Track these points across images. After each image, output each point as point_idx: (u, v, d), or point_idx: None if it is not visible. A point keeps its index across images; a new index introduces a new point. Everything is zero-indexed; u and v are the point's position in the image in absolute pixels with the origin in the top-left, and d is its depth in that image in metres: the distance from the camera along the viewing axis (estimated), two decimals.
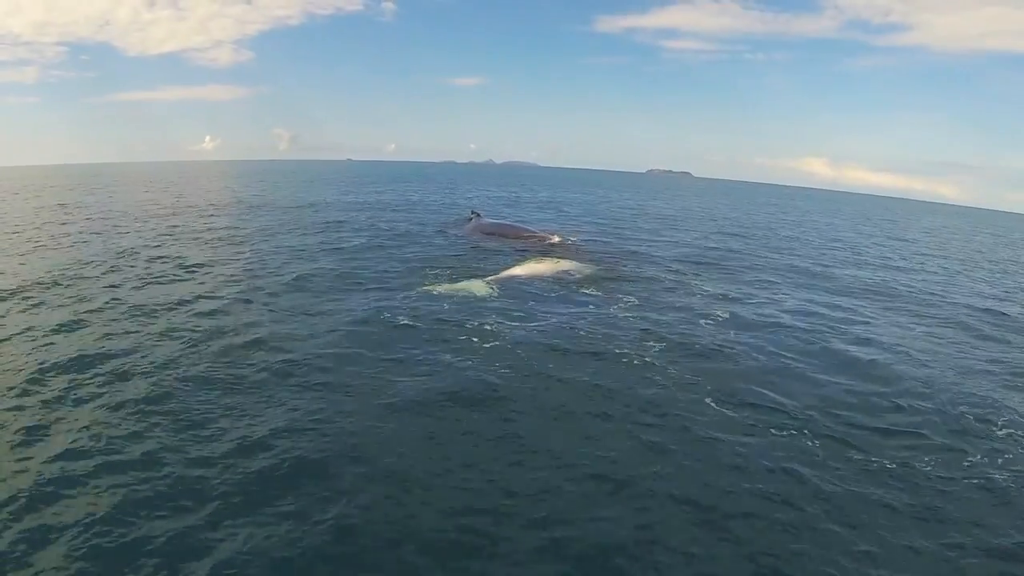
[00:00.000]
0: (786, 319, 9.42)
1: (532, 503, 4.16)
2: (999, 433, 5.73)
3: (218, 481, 4.28)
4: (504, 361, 6.68)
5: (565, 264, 12.03)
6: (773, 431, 5.41)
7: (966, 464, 5.08)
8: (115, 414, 5.28)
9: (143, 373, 6.19)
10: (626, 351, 7.18)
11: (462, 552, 3.69)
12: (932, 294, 13.11)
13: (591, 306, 9.33)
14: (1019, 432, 5.77)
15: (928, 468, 4.93)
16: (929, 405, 6.26)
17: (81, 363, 6.41)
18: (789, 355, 7.58)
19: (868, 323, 9.76)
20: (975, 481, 4.82)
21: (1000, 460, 5.17)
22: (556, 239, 15.55)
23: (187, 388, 5.82)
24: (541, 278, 11.00)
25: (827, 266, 15.84)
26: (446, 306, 8.81)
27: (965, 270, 18.61)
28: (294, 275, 10.84)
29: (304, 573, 3.51)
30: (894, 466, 4.94)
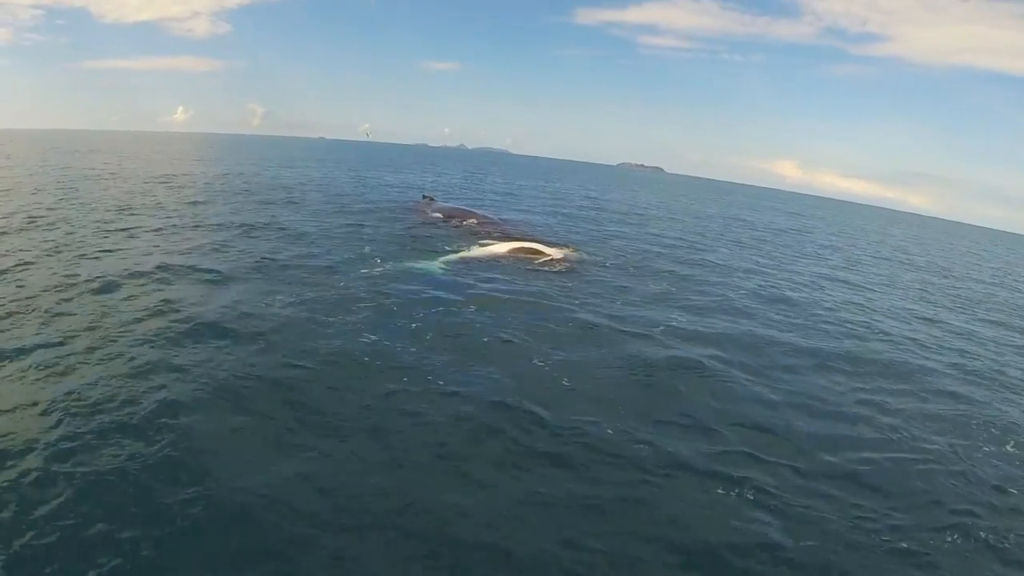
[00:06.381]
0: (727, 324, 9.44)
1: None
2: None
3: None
4: (436, 342, 6.94)
5: (513, 251, 12.07)
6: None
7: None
8: None
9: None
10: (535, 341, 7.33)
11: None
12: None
13: (534, 293, 9.49)
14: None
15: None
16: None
17: None
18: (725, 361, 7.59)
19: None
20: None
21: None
22: (509, 225, 15.91)
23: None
24: (488, 262, 11.19)
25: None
26: (389, 285, 9.14)
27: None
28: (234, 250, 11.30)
29: None
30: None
